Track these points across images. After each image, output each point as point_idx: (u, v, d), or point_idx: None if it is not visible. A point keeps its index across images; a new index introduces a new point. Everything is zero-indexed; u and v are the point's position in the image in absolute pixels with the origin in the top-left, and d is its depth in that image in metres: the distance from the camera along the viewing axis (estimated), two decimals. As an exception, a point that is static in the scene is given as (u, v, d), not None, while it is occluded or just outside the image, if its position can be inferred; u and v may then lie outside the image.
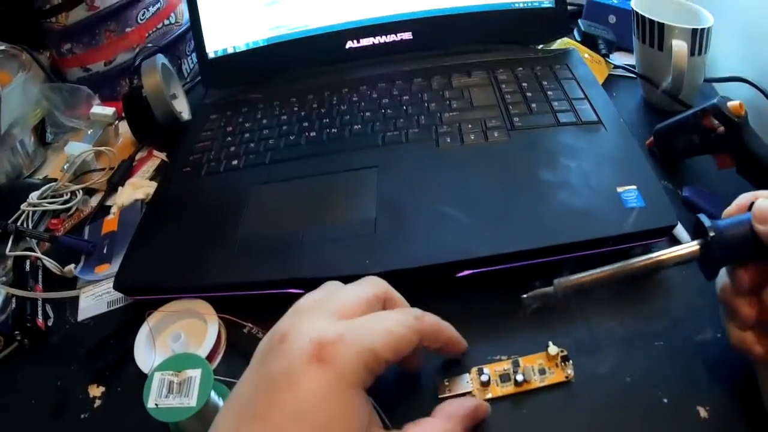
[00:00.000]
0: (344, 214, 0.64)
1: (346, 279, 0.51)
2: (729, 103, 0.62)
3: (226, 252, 0.63)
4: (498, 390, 0.50)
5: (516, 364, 0.51)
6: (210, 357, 0.58)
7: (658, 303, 0.56)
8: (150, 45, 1.07)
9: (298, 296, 0.49)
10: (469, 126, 0.73)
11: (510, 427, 0.49)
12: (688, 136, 0.66)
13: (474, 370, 0.52)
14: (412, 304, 0.50)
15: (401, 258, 0.58)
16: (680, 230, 0.60)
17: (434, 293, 0.55)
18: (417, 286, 0.53)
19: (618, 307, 0.56)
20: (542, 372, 0.51)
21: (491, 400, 0.50)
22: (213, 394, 0.54)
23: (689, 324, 0.53)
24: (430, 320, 0.47)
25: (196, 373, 0.53)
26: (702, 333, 0.52)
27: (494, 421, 0.49)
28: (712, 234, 0.43)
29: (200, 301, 0.62)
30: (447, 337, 0.49)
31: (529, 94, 0.76)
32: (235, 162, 0.77)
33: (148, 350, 0.60)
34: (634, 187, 0.59)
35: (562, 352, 0.51)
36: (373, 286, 0.47)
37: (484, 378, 0.51)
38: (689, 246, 0.45)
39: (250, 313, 0.62)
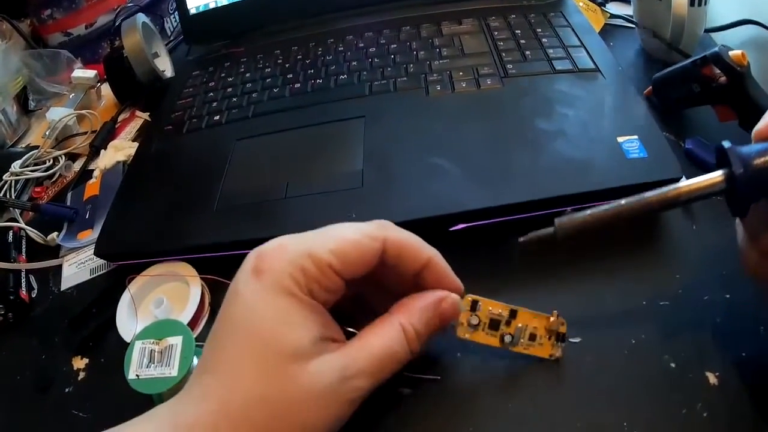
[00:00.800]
0: (330, 167, 0.61)
1: None
2: (731, 53, 0.59)
3: (208, 211, 0.61)
4: (483, 337, 0.45)
5: (512, 315, 0.46)
6: (194, 321, 0.55)
7: (664, 261, 0.52)
8: (131, 5, 1.04)
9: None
10: (460, 73, 0.69)
11: (492, 383, 0.46)
12: (688, 85, 0.62)
13: (468, 298, 0.45)
14: None
15: (390, 211, 0.53)
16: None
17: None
18: None
19: (621, 264, 0.52)
20: (532, 338, 0.46)
21: (472, 344, 0.46)
22: (196, 361, 0.51)
23: (697, 284, 0.50)
24: (399, 230, 0.42)
25: (177, 341, 0.51)
26: (710, 294, 0.48)
27: (470, 364, 0.47)
28: (737, 163, 0.37)
29: (182, 264, 0.59)
30: (426, 258, 0.42)
31: (522, 42, 0.72)
32: (217, 117, 0.74)
33: (131, 318, 0.58)
34: (636, 137, 0.55)
35: (562, 326, 0.45)
36: (371, 223, 0.43)
37: (474, 320, 0.45)
38: (711, 177, 0.39)
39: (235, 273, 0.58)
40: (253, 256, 0.40)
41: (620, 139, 0.55)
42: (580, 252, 0.52)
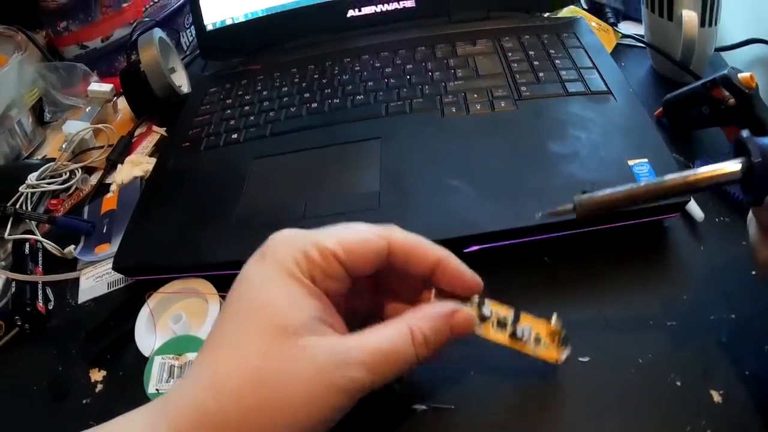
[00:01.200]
0: (347, 187, 0.62)
1: None
2: (740, 75, 0.59)
3: (226, 228, 0.61)
4: (492, 333, 0.45)
5: (516, 317, 0.45)
6: (212, 338, 0.56)
7: (672, 281, 0.53)
8: (147, 19, 1.05)
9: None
10: (475, 95, 0.69)
11: (500, 367, 0.48)
12: (698, 107, 0.63)
13: (475, 297, 0.45)
14: None
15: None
16: (693, 206, 0.57)
17: None
18: None
19: (629, 285, 0.53)
20: (537, 340, 0.45)
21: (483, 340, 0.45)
22: (215, 377, 0.52)
23: (703, 304, 0.50)
24: (406, 232, 0.43)
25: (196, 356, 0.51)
26: (716, 313, 0.49)
27: (483, 353, 0.47)
28: (756, 152, 0.38)
29: (201, 281, 0.60)
30: (435, 258, 0.42)
31: (536, 63, 0.73)
32: (234, 135, 0.74)
33: (149, 332, 0.58)
34: (646, 159, 0.56)
35: (562, 332, 0.46)
36: (379, 226, 0.43)
37: (486, 311, 0.44)
38: (729, 165, 0.39)
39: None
40: (263, 245, 0.41)
41: (631, 162, 0.56)
42: (589, 272, 0.53)
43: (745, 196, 0.40)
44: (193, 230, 0.63)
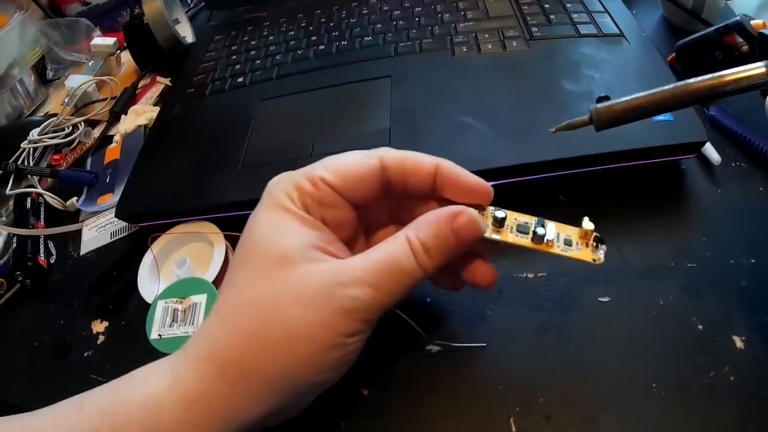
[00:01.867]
0: (356, 124, 0.59)
1: None
2: (752, 21, 0.58)
3: (233, 170, 0.59)
4: (510, 237, 0.40)
5: (540, 223, 0.41)
6: (218, 280, 0.53)
7: (690, 224, 0.51)
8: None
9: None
10: (486, 35, 0.66)
11: (524, 310, 0.46)
12: (711, 53, 0.61)
13: (489, 208, 0.41)
14: None
15: None
16: (710, 149, 0.54)
17: None
18: None
19: (647, 225, 0.51)
20: (568, 243, 0.41)
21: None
22: (221, 320, 0.49)
23: (722, 248, 0.48)
24: (396, 150, 0.41)
25: (201, 299, 0.49)
26: (736, 258, 0.47)
27: (510, 296, 0.47)
28: None
29: (206, 223, 0.58)
30: (432, 166, 0.40)
31: (546, 6, 0.69)
32: (240, 79, 0.72)
33: (152, 279, 0.56)
34: None
35: (595, 232, 0.41)
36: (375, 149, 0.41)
37: (499, 213, 0.40)
38: (755, 66, 0.36)
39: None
40: None
41: None
42: (606, 211, 0.49)
43: None
44: (197, 174, 0.60)
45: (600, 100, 0.38)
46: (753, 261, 0.47)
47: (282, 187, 0.39)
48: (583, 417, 0.41)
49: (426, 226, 0.38)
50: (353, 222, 0.41)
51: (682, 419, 0.39)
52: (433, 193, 0.41)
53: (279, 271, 0.36)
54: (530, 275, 0.49)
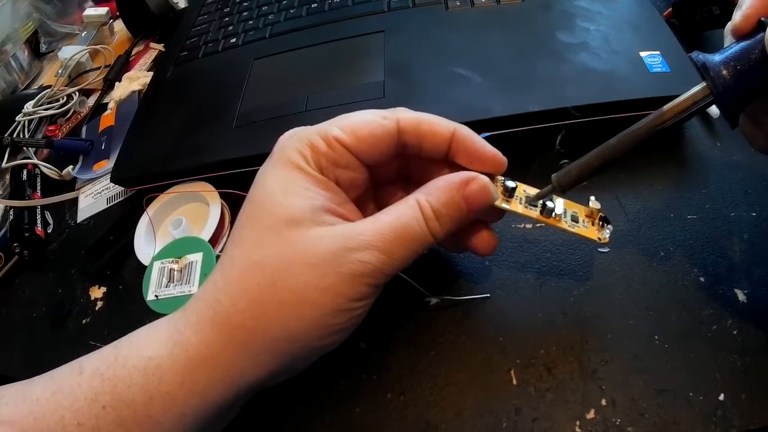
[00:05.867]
0: (350, 79, 0.58)
1: None
2: None
3: (227, 128, 0.58)
4: (520, 208, 0.40)
5: (550, 197, 0.41)
6: (214, 239, 0.52)
7: (690, 177, 0.50)
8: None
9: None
10: (479, -11, 0.65)
11: (523, 261, 0.45)
12: (708, 7, 0.60)
13: (499, 178, 0.41)
14: None
15: None
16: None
17: None
18: None
19: (646, 175, 0.50)
20: (575, 219, 0.41)
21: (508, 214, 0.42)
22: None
23: (723, 200, 0.47)
24: (413, 111, 0.40)
25: (197, 258, 0.48)
26: (736, 211, 0.46)
27: (509, 247, 0.46)
28: (711, 72, 0.35)
29: (201, 183, 0.57)
30: (450, 131, 0.39)
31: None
32: (233, 40, 0.70)
33: (149, 241, 0.55)
34: (658, 52, 0.52)
35: (602, 212, 0.42)
36: (387, 110, 0.40)
37: (510, 183, 0.40)
38: (693, 92, 0.36)
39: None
40: None
41: (643, 54, 0.52)
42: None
43: (726, 119, 0.37)
44: (192, 134, 0.59)
45: (561, 166, 0.38)
46: (753, 214, 0.46)
47: (294, 144, 0.38)
48: (584, 369, 0.40)
49: (437, 192, 0.37)
50: (365, 182, 0.40)
51: (685, 372, 0.39)
52: (446, 157, 0.40)
53: (289, 233, 0.35)
54: (528, 226, 0.48)
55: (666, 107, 0.36)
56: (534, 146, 0.52)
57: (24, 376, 0.37)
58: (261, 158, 0.52)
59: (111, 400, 0.33)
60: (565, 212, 0.41)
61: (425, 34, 0.61)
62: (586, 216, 0.42)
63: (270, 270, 0.34)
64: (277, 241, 0.35)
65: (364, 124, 0.38)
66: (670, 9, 0.64)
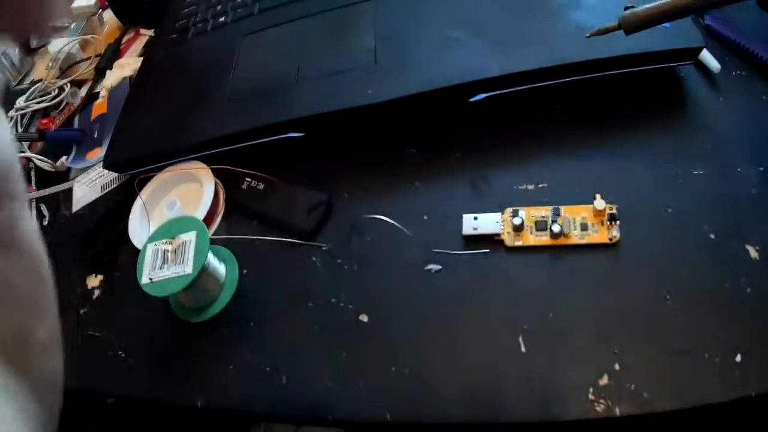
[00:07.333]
0: (341, 48, 0.57)
1: (349, 113, 0.50)
2: None
3: (218, 105, 0.57)
4: (531, 238, 0.43)
5: (556, 213, 0.44)
6: (209, 218, 0.51)
7: (694, 132, 0.48)
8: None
9: (299, 141, 0.49)
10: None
11: (545, 283, 0.43)
12: None
13: (508, 211, 0.45)
14: (428, 140, 0.52)
15: (407, 84, 0.51)
16: (708, 57, 0.51)
17: (449, 124, 0.53)
18: (428, 116, 0.52)
19: (649, 132, 0.49)
20: (584, 227, 0.43)
21: (523, 249, 0.44)
22: (212, 258, 0.47)
23: (729, 156, 0.46)
24: None
25: (190, 237, 0.46)
26: (743, 166, 0.44)
27: (526, 275, 0.43)
28: None
29: (194, 162, 0.55)
30: None
31: None
32: (222, 19, 0.68)
33: (143, 225, 0.54)
34: None
35: (610, 208, 0.43)
36: None
37: (516, 221, 0.43)
38: None
39: (251, 167, 0.55)
40: None
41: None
42: (605, 119, 0.49)
43: None
44: (184, 113, 0.59)
45: (627, 8, 0.39)
46: (761, 169, 0.44)
47: None
48: (595, 331, 0.39)
49: None
50: None
51: (698, 332, 0.38)
52: None
53: None
54: (530, 186, 0.47)
55: None
56: (534, 106, 0.51)
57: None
58: (253, 133, 0.52)
59: None
60: (573, 222, 0.43)
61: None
62: (594, 217, 0.43)
63: None
64: None
65: None
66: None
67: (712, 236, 0.41)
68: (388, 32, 0.56)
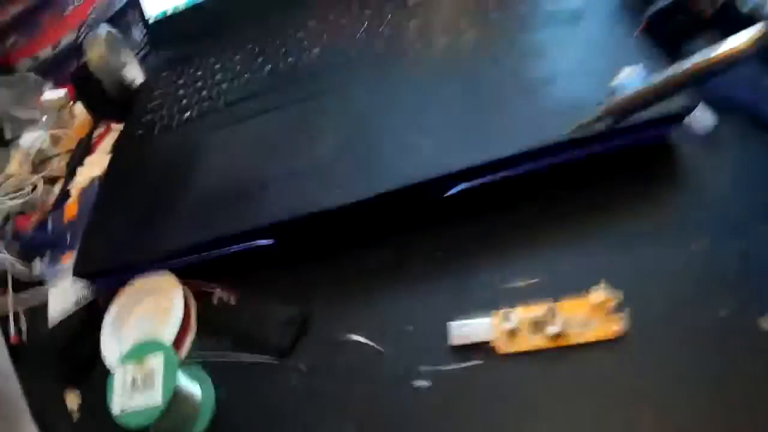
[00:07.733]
0: (306, 148, 0.56)
1: (318, 217, 0.49)
2: None
3: (182, 212, 0.56)
4: (528, 342, 0.41)
5: (551, 313, 0.41)
6: (180, 336, 0.50)
7: (688, 199, 0.46)
8: (94, 18, 1.00)
9: (269, 249, 0.49)
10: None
11: (546, 389, 0.40)
12: (679, 18, 0.57)
13: (499, 313, 0.42)
14: (406, 240, 0.50)
15: (376, 182, 0.49)
16: (698, 115, 0.47)
17: (427, 221, 0.51)
18: (404, 214, 0.50)
19: (647, 207, 0.46)
20: (584, 324, 0.40)
21: (521, 355, 0.41)
22: (185, 381, 0.46)
23: (728, 222, 0.43)
24: None
25: (158, 362, 0.45)
26: (740, 238, 0.42)
27: (523, 384, 0.41)
28: None
29: (164, 275, 0.54)
30: None
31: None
32: (187, 114, 0.68)
33: (114, 341, 0.53)
34: (641, 65, 0.47)
35: (609, 300, 0.40)
36: None
37: (509, 325, 0.41)
38: (749, 34, 0.35)
39: (224, 276, 0.55)
40: None
41: (625, 70, 0.46)
42: (596, 200, 0.47)
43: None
44: (149, 222, 0.58)
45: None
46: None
47: None
48: None
49: None
50: None
51: None
52: None
53: None
54: (521, 283, 0.45)
55: (729, 48, 0.36)
56: (517, 194, 0.49)
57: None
58: (219, 242, 0.52)
59: None
60: (571, 320, 0.40)
61: (381, 89, 0.59)
62: (595, 311, 0.40)
63: None
64: None
65: None
66: (644, 23, 0.62)
67: (722, 314, 0.39)
68: (353, 128, 0.55)
